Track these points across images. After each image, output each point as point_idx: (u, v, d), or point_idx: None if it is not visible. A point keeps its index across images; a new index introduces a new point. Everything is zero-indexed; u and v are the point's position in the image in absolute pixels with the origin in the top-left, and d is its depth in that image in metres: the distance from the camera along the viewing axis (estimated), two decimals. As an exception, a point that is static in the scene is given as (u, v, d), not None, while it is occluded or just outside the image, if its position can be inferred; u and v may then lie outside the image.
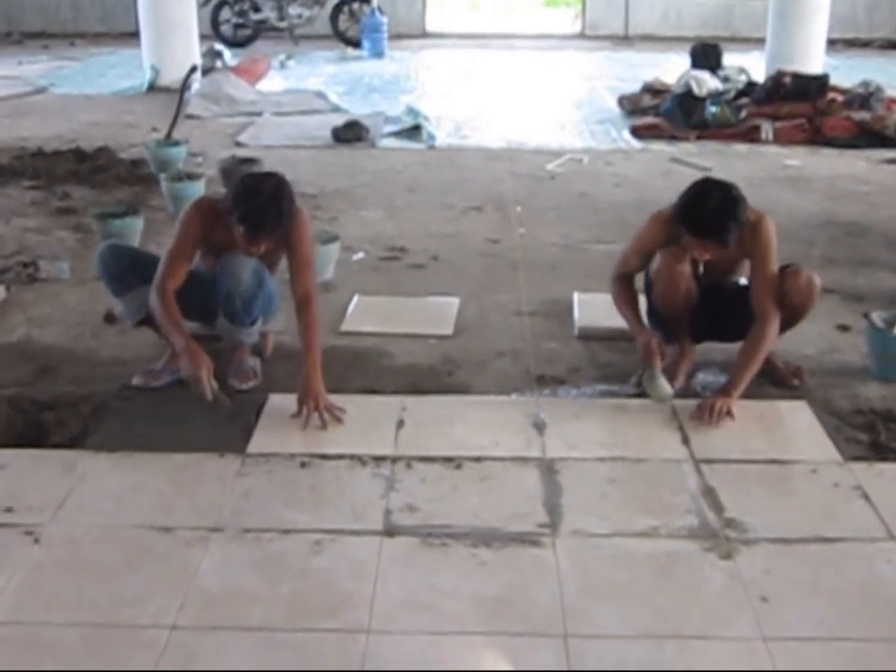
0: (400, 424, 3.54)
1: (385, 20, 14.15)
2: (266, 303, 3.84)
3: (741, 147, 8.32)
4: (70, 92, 10.93)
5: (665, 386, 3.65)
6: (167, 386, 3.81)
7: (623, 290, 3.81)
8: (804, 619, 2.55)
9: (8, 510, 3.00)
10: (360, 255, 5.42)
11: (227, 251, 3.67)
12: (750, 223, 3.57)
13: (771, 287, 3.63)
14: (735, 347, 3.97)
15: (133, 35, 12.47)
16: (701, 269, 3.76)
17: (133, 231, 5.38)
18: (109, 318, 4.34)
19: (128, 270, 3.74)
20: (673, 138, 8.54)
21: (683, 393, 3.74)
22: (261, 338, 3.97)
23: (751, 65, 10.53)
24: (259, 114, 9.60)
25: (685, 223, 3.51)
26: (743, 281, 3.88)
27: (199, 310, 3.82)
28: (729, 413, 3.53)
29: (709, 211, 3.45)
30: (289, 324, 4.01)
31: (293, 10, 14.58)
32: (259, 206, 3.47)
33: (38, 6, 15.80)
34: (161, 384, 3.81)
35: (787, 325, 3.74)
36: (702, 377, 3.85)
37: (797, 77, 9.03)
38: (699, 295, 3.75)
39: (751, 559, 2.79)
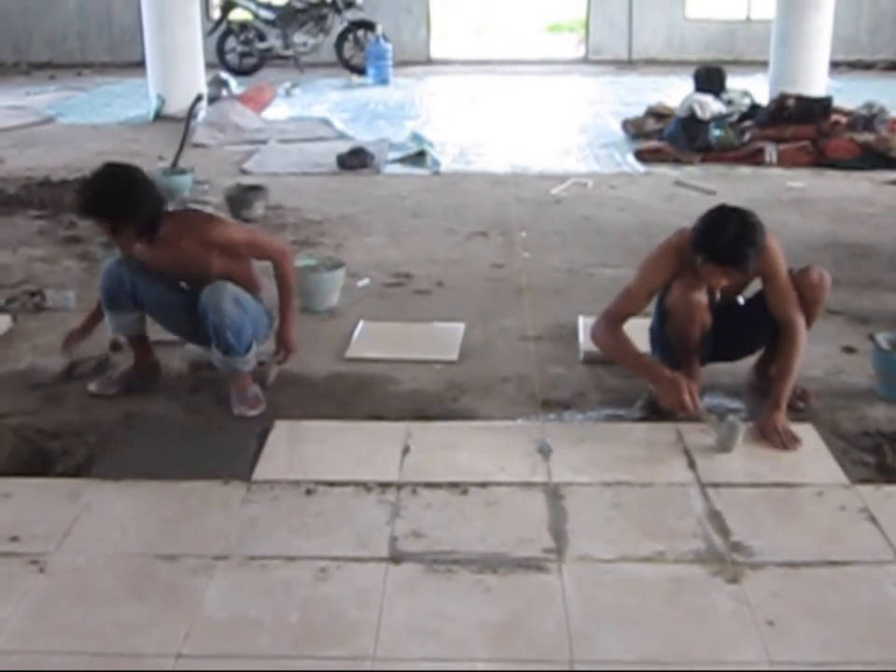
0: (406, 450, 3.53)
1: (389, 47, 14.25)
2: (256, 327, 3.87)
3: (745, 170, 8.34)
4: (77, 122, 11.01)
5: (735, 428, 3.54)
6: (120, 393, 3.97)
7: (622, 336, 3.69)
8: (811, 643, 2.54)
9: (14, 538, 3.00)
10: (365, 281, 5.43)
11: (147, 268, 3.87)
12: None
13: (789, 295, 3.65)
14: (740, 370, 3.98)
15: (139, 65, 12.57)
16: (718, 296, 3.74)
17: (139, 259, 5.39)
18: (115, 346, 4.34)
19: (127, 294, 3.86)
20: (677, 161, 8.56)
21: (689, 417, 3.72)
22: (263, 367, 3.99)
23: (755, 88, 10.57)
24: (264, 142, 9.64)
25: (705, 251, 3.48)
26: (741, 300, 3.88)
27: (187, 330, 3.97)
28: (792, 437, 3.55)
29: (729, 238, 3.43)
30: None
31: (298, 38, 14.68)
32: (87, 187, 3.70)
33: (46, 36, 15.95)
34: (115, 391, 3.99)
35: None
36: (708, 401, 3.84)
37: (800, 99, 9.06)
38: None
39: (758, 583, 2.78)
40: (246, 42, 14.48)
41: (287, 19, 14.56)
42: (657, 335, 3.88)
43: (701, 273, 3.55)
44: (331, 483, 3.30)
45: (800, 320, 3.64)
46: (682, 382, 3.55)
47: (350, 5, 14.53)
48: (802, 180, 7.97)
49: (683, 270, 3.62)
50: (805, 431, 3.66)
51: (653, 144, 9.01)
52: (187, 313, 3.83)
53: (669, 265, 3.67)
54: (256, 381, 3.93)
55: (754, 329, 3.82)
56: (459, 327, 4.70)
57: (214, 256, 3.80)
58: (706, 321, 3.69)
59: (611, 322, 3.70)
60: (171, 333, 4.13)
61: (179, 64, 10.82)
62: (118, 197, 3.62)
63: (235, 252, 3.85)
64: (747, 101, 9.62)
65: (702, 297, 3.64)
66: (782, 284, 3.66)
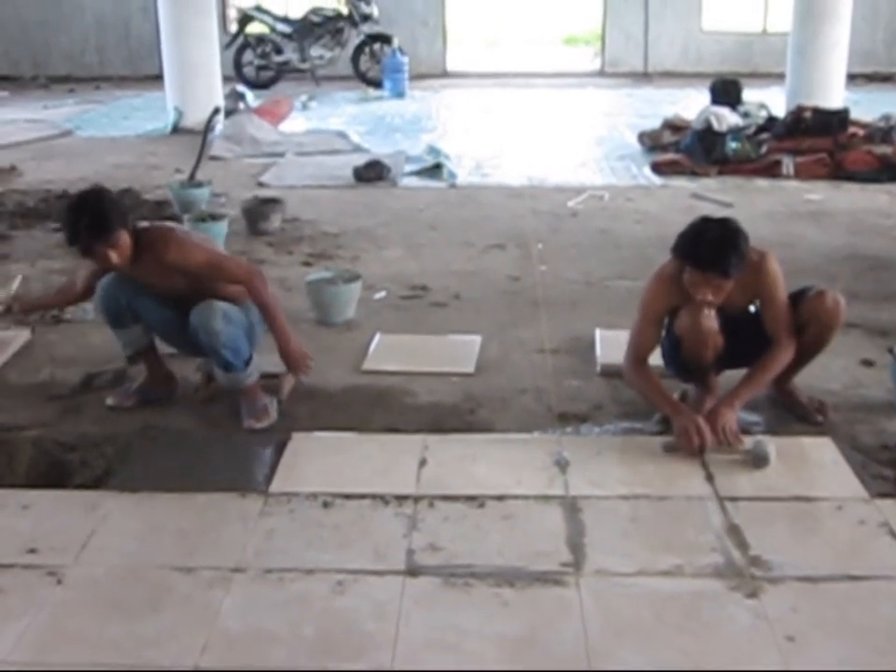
0: (423, 462, 3.53)
1: (405, 60, 14.28)
2: (250, 338, 3.87)
3: (762, 183, 8.32)
4: (95, 135, 11.06)
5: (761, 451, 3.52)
6: (137, 406, 3.99)
7: (646, 375, 3.71)
8: (831, 658, 2.52)
9: (32, 550, 3.01)
10: (382, 293, 5.44)
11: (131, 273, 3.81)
12: (754, 262, 3.57)
13: (784, 317, 3.65)
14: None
15: (157, 78, 12.61)
16: (715, 314, 3.71)
17: (157, 271, 5.41)
18: (132, 359, 4.26)
19: (126, 309, 3.86)
20: (694, 174, 8.54)
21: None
22: (276, 380, 3.99)
23: (771, 100, 10.54)
24: (281, 154, 9.67)
25: (686, 256, 3.50)
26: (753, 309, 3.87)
27: (185, 343, 3.92)
28: (734, 434, 3.53)
29: (709, 241, 3.45)
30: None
31: (315, 52, 14.73)
32: (68, 219, 3.63)
33: (64, 50, 16.04)
34: (132, 403, 4.00)
35: (816, 346, 3.74)
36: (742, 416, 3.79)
37: (817, 111, 9.04)
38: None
39: (777, 598, 2.76)
40: (263, 55, 14.54)
41: (303, 32, 14.61)
42: (668, 352, 3.85)
43: (688, 289, 3.53)
44: (348, 496, 3.30)
45: (789, 343, 3.64)
46: (693, 430, 3.51)
47: (366, 18, 14.57)
48: (819, 193, 7.94)
49: (683, 295, 3.60)
50: (824, 445, 3.64)
51: (670, 156, 9.00)
52: (180, 326, 3.81)
53: (667, 292, 3.66)
54: (268, 393, 3.93)
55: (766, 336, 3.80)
56: (476, 339, 4.69)
57: (176, 276, 3.76)
58: (718, 343, 3.67)
59: (634, 363, 3.73)
60: (170, 347, 4.08)
61: (197, 78, 10.86)
62: (109, 204, 3.65)
63: (198, 274, 3.75)
64: (763, 113, 9.60)
65: (712, 323, 3.63)
66: (779, 307, 3.65)
